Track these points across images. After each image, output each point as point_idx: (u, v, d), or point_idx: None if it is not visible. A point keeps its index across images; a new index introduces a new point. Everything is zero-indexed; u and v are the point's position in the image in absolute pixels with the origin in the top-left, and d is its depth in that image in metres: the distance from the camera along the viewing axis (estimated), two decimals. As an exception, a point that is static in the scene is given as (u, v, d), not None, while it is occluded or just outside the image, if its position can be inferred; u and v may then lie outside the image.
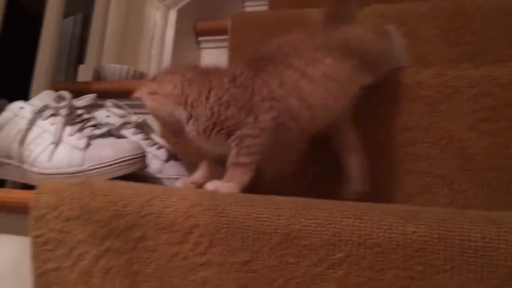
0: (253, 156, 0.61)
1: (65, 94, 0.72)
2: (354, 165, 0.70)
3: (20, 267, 0.64)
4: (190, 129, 0.63)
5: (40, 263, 0.58)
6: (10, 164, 0.73)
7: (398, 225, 0.43)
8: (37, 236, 0.58)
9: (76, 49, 1.53)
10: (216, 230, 0.50)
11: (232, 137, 0.60)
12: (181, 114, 0.63)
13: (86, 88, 1.00)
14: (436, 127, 0.72)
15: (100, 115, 0.83)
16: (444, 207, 0.62)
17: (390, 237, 0.43)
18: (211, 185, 0.60)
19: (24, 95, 0.90)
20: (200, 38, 1.36)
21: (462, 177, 0.70)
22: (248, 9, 1.51)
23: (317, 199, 0.50)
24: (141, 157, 0.68)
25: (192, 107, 0.62)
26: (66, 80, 1.47)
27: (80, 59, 1.33)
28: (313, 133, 0.68)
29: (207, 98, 0.61)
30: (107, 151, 0.66)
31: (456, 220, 0.42)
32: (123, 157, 0.66)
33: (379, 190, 0.73)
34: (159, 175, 0.77)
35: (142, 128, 0.83)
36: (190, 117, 0.62)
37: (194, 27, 1.34)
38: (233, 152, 0.61)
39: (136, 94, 0.65)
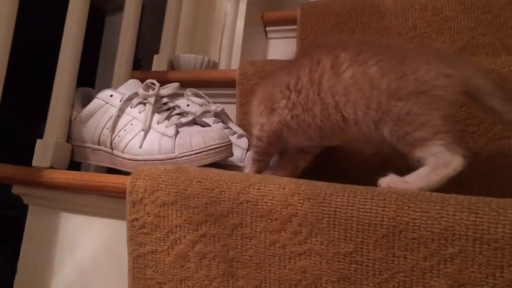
0: None
1: (154, 82, 0.73)
2: None
3: (113, 249, 0.67)
4: None
5: (137, 246, 0.59)
6: (100, 150, 0.75)
7: (521, 220, 0.41)
8: (134, 220, 0.60)
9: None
10: (316, 220, 0.49)
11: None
12: None
13: (162, 78, 1.02)
14: (535, 119, 0.68)
15: (181, 104, 0.84)
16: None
17: (510, 233, 0.41)
18: None
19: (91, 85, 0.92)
20: (268, 28, 1.35)
21: None
22: (316, -2, 1.49)
23: (424, 192, 0.48)
24: (228, 146, 0.68)
25: None
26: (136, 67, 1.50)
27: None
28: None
29: None
30: (197, 138, 0.67)
31: None
32: (212, 145, 0.67)
33: (473, 183, 0.70)
34: (241, 164, 0.77)
35: (221, 117, 0.84)
36: None
37: (262, 17, 1.33)
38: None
39: None
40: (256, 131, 0.66)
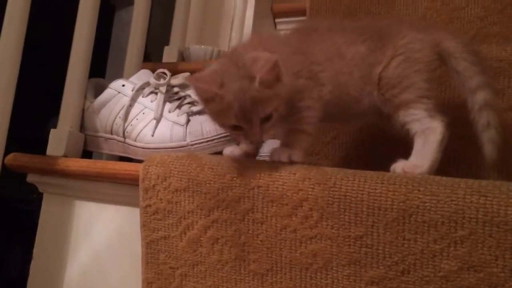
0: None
1: (165, 72, 0.74)
2: None
3: (126, 236, 0.68)
4: None
5: (150, 232, 0.61)
6: (113, 139, 0.77)
7: (531, 203, 0.41)
8: (147, 206, 0.61)
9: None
10: (327, 204, 0.50)
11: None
12: None
13: (173, 69, 1.03)
14: (545, 107, 0.68)
15: (192, 93, 0.85)
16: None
17: (521, 215, 0.41)
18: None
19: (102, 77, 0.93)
20: (277, 20, 1.35)
21: None
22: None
23: (433, 176, 0.49)
24: (238, 134, 0.69)
25: None
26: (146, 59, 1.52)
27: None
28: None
29: None
30: (208, 126, 0.68)
31: None
32: (223, 133, 0.68)
33: (480, 171, 0.70)
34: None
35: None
36: None
37: (271, 9, 1.34)
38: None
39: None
40: None
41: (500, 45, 0.73)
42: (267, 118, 0.53)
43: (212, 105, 0.53)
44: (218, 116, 0.55)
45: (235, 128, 0.54)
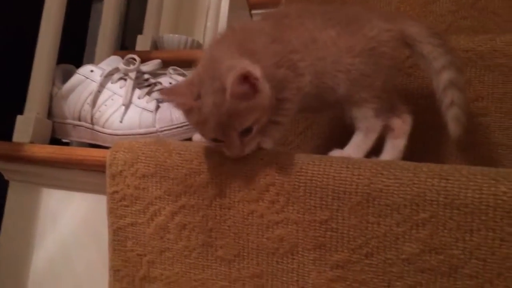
0: None
1: (134, 57, 0.73)
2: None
3: (94, 224, 0.67)
4: None
5: (117, 218, 0.60)
6: (81, 126, 0.75)
7: (490, 185, 0.42)
8: (114, 192, 0.60)
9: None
10: (293, 189, 0.50)
11: None
12: None
13: (146, 57, 1.01)
14: (510, 97, 0.70)
15: (163, 81, 0.84)
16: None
17: (480, 198, 0.42)
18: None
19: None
20: (254, 12, 1.35)
21: (537, 149, 0.68)
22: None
23: (398, 161, 0.49)
24: (208, 121, 0.69)
25: None
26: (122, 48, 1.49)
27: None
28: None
29: None
30: (177, 113, 0.67)
31: (553, 181, 0.40)
32: (193, 120, 0.67)
33: (447, 161, 0.71)
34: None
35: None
36: None
37: (247, 0, 1.33)
38: None
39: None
40: None
41: (468, 36, 0.75)
42: (247, 130, 0.50)
43: (190, 116, 0.51)
44: (197, 128, 0.53)
45: (215, 140, 0.51)
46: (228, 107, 0.48)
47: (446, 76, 0.61)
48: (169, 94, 0.52)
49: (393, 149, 0.62)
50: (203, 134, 0.53)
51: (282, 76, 0.55)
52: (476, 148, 0.71)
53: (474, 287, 0.42)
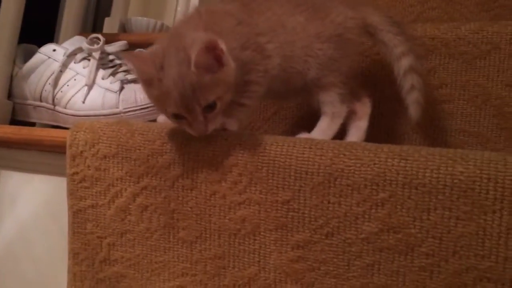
0: None
1: (98, 37, 0.71)
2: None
3: (53, 206, 0.65)
4: None
5: (77, 200, 0.58)
6: (42, 107, 0.73)
7: (447, 165, 0.42)
8: (74, 174, 0.58)
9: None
10: (256, 169, 0.50)
11: None
12: None
13: (113, 40, 0.99)
14: (473, 84, 0.71)
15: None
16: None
17: (438, 177, 0.43)
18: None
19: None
20: (225, -3, 1.33)
21: (497, 136, 0.69)
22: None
23: (360, 142, 0.49)
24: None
25: None
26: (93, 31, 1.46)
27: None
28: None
29: None
30: (142, 94, 0.66)
31: (507, 161, 0.41)
32: (157, 101, 0.66)
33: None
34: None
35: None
36: None
37: (219, -15, 1.31)
38: None
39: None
40: None
41: (434, 24, 0.76)
42: (211, 106, 0.49)
43: (151, 89, 0.50)
44: (158, 102, 0.51)
45: (177, 116, 0.50)
46: (192, 79, 0.47)
47: (406, 62, 0.63)
48: (132, 59, 0.50)
49: (357, 131, 0.64)
50: (164, 110, 0.51)
51: (248, 58, 0.55)
52: (438, 134, 0.72)
53: (430, 265, 0.43)
